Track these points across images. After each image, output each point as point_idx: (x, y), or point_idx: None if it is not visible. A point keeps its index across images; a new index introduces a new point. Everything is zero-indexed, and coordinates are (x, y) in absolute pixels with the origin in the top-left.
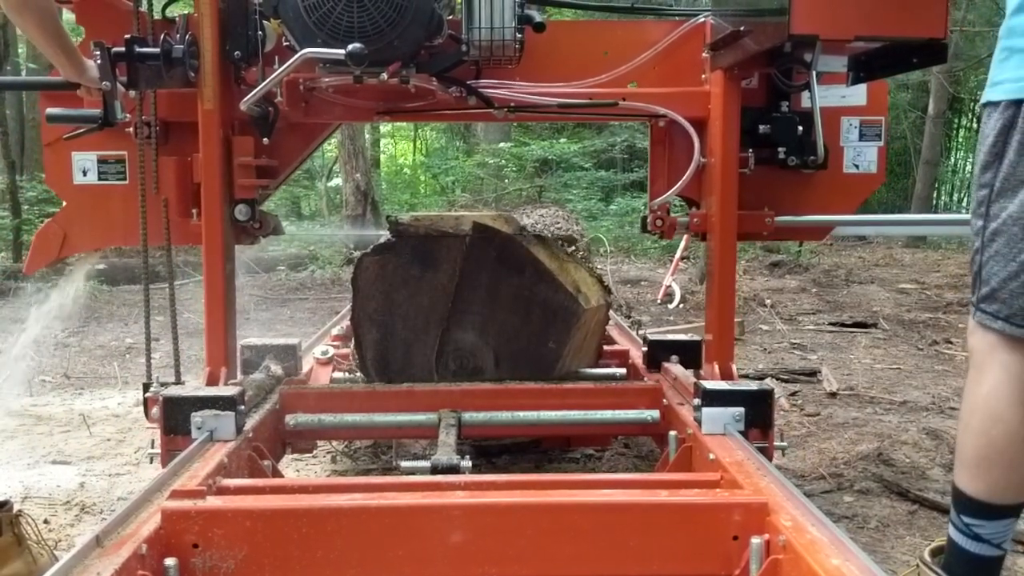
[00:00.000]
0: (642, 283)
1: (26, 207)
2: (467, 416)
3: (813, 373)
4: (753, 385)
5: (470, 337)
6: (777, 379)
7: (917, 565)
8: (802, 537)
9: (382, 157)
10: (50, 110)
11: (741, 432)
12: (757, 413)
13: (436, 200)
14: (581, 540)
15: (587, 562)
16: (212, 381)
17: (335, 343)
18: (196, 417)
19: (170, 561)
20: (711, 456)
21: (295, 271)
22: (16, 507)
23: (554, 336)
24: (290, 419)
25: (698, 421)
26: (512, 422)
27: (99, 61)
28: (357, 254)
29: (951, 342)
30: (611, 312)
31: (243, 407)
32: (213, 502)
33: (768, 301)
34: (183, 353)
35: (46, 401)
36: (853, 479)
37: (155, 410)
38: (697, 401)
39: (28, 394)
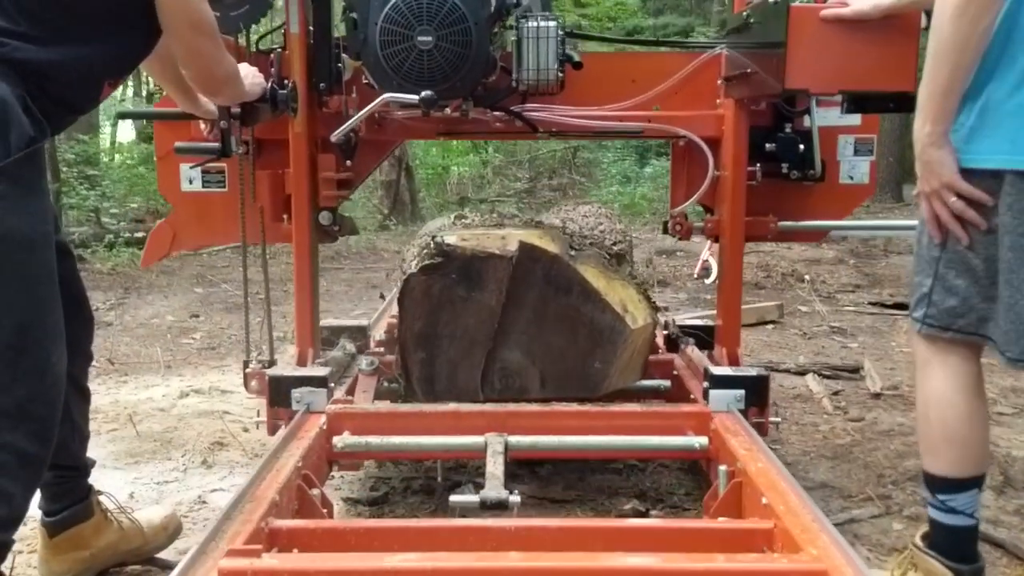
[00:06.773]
0: (678, 254)
1: (64, 168)
2: (513, 440)
3: (856, 369)
4: (752, 371)
5: (516, 357)
6: (819, 375)
7: (908, 549)
8: None
9: None
10: (178, 144)
11: (741, 411)
12: (755, 395)
13: (470, 159)
14: None
15: None
16: (302, 358)
17: (379, 349)
18: (296, 393)
19: None
20: (764, 500)
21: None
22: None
23: (600, 356)
24: (338, 441)
25: (707, 400)
26: (558, 446)
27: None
28: (392, 223)
29: None
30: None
31: (332, 384)
32: (268, 562)
33: (807, 277)
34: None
35: (93, 389)
36: (903, 503)
37: (254, 383)
38: (706, 384)
39: None
